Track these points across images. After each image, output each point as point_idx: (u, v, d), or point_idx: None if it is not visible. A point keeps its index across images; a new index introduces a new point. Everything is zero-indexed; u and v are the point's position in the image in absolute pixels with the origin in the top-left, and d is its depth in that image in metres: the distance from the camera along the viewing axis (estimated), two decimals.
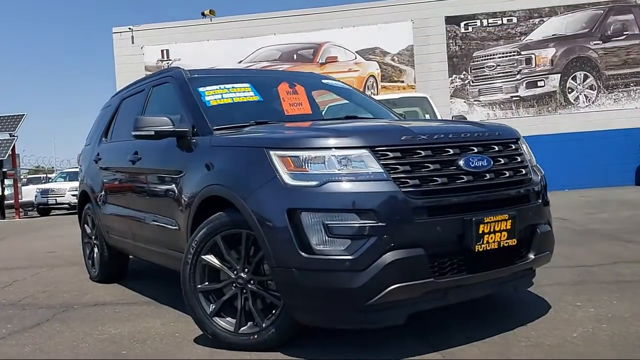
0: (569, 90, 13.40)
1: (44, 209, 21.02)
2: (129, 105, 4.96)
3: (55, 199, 20.63)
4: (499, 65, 13.67)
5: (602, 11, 13.31)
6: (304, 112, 4.12)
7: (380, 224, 2.59)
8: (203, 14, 14.90)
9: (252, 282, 3.01)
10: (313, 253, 2.65)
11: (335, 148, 2.75)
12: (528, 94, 13.46)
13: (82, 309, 4.34)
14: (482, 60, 13.71)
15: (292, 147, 2.83)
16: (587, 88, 13.37)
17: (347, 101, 4.70)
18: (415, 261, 2.63)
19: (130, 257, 5.32)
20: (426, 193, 2.70)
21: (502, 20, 13.67)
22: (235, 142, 3.20)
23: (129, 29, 14.69)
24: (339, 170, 2.70)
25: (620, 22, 13.26)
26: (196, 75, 4.12)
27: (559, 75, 13.37)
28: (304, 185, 2.71)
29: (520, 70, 13.55)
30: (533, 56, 13.46)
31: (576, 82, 13.39)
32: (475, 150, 2.92)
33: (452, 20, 13.80)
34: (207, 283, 3.17)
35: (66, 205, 20.62)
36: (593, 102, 13.16)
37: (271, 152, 2.84)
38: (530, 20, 13.56)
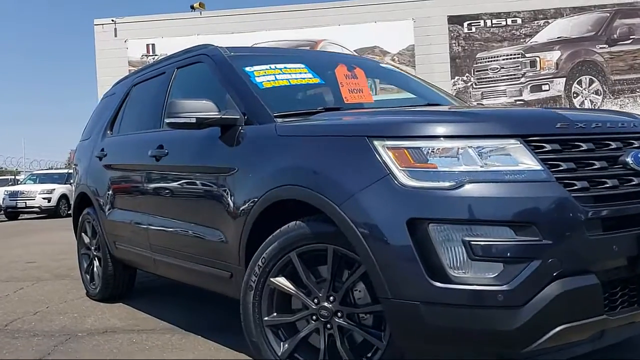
0: (574, 95, 12.97)
1: (13, 213, 19.89)
2: (144, 92, 4.17)
3: (25, 202, 19.55)
4: (502, 68, 13.16)
5: (609, 14, 12.93)
6: (365, 101, 3.42)
7: (545, 241, 1.89)
8: (192, 7, 14.06)
9: (339, 314, 2.28)
10: (448, 281, 1.93)
11: (475, 137, 2.04)
12: (532, 98, 12.98)
13: (89, 337, 3.53)
14: (485, 62, 13.18)
15: (408, 135, 2.11)
16: (593, 93, 12.96)
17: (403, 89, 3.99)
18: (590, 293, 1.94)
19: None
20: (598, 199, 2.01)
21: (506, 21, 13.16)
22: (319, 131, 2.46)
23: (112, 20, 13.77)
24: (481, 167, 1.99)
25: (626, 25, 12.89)
26: (238, 53, 3.38)
27: (564, 79, 12.92)
28: (430, 187, 1.99)
29: (525, 73, 13.06)
30: (538, 59, 12.99)
31: (581, 87, 12.97)
32: (636, 144, 2.24)
33: (455, 20, 13.24)
34: (275, 314, 2.44)
35: (37, 209, 19.59)
36: (598, 108, 12.75)
37: (376, 142, 2.12)
38: (535, 22, 13.10)
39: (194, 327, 3.60)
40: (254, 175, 2.63)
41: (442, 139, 2.05)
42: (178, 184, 3.29)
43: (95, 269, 4.58)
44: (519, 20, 13.21)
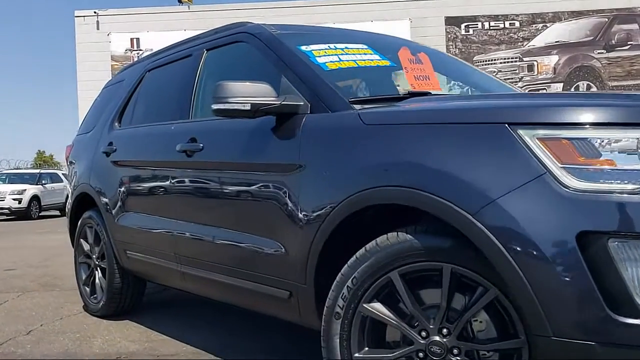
0: None
1: None
2: (163, 78, 3.63)
3: None
4: (500, 71, 12.87)
5: (607, 19, 12.78)
6: (433, 89, 2.93)
7: None
8: (180, 1, 13.45)
9: (456, 351, 1.79)
10: (637, 315, 1.46)
11: None
12: None
13: None
14: (483, 65, 12.87)
15: (569, 122, 1.64)
16: None
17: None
18: None
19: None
20: None
21: (504, 23, 12.90)
22: (435, 117, 1.95)
23: (94, 12, 13.05)
24: None
25: (624, 31, 12.76)
26: (288, 32, 2.87)
27: (562, 84, 12.70)
28: (608, 190, 1.52)
29: (522, 77, 12.82)
30: (535, 63, 12.76)
31: None
32: None
33: (452, 21, 12.93)
34: (367, 349, 1.94)
35: (6, 211, 18.64)
36: None
37: (522, 132, 1.65)
38: (533, 25, 12.87)
39: (226, 351, 3.07)
40: (331, 173, 2.13)
41: (618, 127, 1.58)
42: (217, 184, 2.76)
43: (97, 280, 3.99)
44: (517, 24, 12.96)
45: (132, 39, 13.05)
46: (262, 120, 2.45)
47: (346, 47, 2.76)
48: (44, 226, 14.99)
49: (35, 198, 19.35)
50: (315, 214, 2.14)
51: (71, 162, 4.55)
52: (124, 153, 3.64)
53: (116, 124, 3.90)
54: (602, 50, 12.77)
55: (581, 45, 12.81)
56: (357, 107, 2.23)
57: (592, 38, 12.87)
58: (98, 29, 12.94)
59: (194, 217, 2.91)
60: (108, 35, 13.01)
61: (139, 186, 3.46)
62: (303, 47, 2.65)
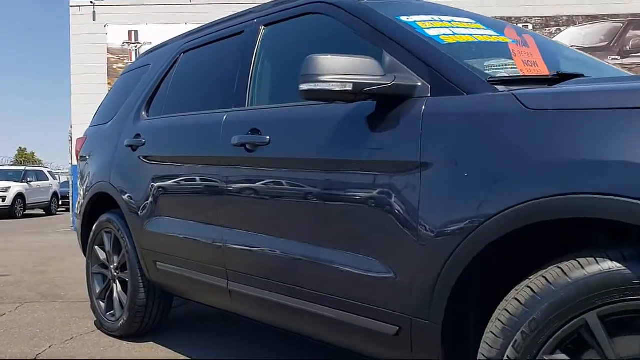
0: None
1: None
2: (204, 60, 3.10)
3: None
4: None
5: (622, 24, 12.44)
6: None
7: None
8: None
9: None
10: None
11: None
12: None
13: None
14: None
15: None
16: None
17: None
18: None
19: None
20: None
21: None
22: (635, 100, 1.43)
23: (91, 2, 12.39)
24: None
25: (639, 37, 12.43)
26: (378, 1, 2.35)
27: None
28: None
29: None
30: None
31: None
32: None
33: None
34: None
35: None
36: None
37: None
38: (547, 29, 12.47)
39: None
40: (478, 175, 1.61)
41: None
42: (291, 187, 2.22)
43: (116, 294, 3.43)
44: (530, 27, 12.54)
45: (130, 32, 12.41)
46: (358, 105, 1.94)
47: (453, 20, 2.25)
48: (32, 226, 14.28)
49: (20, 196, 18.61)
50: (450, 229, 1.63)
51: (83, 158, 3.97)
52: (155, 147, 3.09)
53: (143, 113, 3.34)
54: (617, 57, 12.41)
55: (596, 50, 12.42)
56: (501, 88, 1.72)
57: (606, 43, 12.51)
58: (94, 20, 12.29)
59: (254, 226, 2.38)
60: (105, 27, 12.36)
61: (176, 186, 2.91)
62: (403, 18, 2.14)
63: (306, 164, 2.14)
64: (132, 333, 3.33)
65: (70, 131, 12.53)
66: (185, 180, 2.83)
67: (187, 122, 2.90)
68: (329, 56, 1.84)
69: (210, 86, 2.95)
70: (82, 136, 4.14)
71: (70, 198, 12.90)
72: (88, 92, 12.09)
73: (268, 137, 2.28)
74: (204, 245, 2.64)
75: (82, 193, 3.89)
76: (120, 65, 12.36)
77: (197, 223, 2.71)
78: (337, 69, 1.82)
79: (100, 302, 3.59)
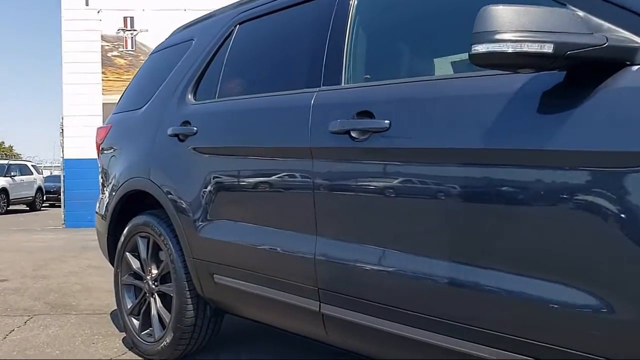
0: None
1: None
2: (273, 32, 2.58)
3: None
4: None
5: None
6: None
7: None
8: None
9: None
10: None
11: None
12: None
13: None
14: None
15: None
16: None
17: None
18: None
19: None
20: None
21: None
22: None
23: None
24: None
25: None
26: None
27: None
28: None
29: None
30: None
31: None
32: None
33: None
34: None
35: None
36: None
37: None
38: None
39: None
40: None
41: None
42: (431, 186, 1.72)
43: (154, 311, 2.91)
44: None
45: (125, 18, 11.75)
46: (531, 78, 1.47)
47: None
48: (17, 223, 13.58)
49: (3, 191, 17.87)
50: None
51: (107, 150, 3.43)
52: (213, 137, 2.56)
53: (190, 96, 2.81)
54: None
55: None
56: None
57: None
58: (87, 4, 11.60)
59: (365, 236, 1.88)
60: (98, 12, 11.69)
61: (244, 184, 2.39)
62: None
63: (457, 156, 1.64)
64: (177, 357, 2.82)
65: (62, 123, 11.87)
66: (258, 177, 2.31)
67: (256, 106, 2.38)
68: (515, 7, 1.36)
69: (282, 62, 2.44)
70: (103, 125, 3.59)
71: (62, 194, 12.24)
72: (80, 82, 11.47)
73: (387, 122, 1.78)
74: (287, 257, 2.13)
75: (106, 190, 3.35)
76: (115, 53, 11.74)
77: (276, 230, 2.20)
78: (527, 25, 1.34)
79: (133, 319, 3.06)
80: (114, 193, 3.18)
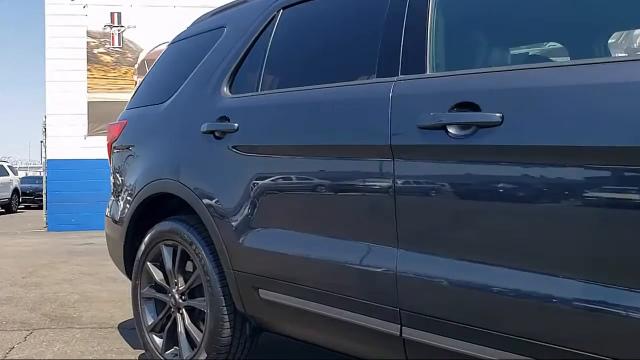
0: None
1: None
2: (324, 16, 2.30)
3: None
4: None
5: None
6: None
7: None
8: None
9: None
10: None
11: None
12: None
13: None
14: None
15: None
16: None
17: None
18: None
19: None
20: None
21: None
22: None
23: None
24: None
25: None
26: None
27: None
28: None
29: None
30: None
31: None
32: None
33: None
34: None
35: None
36: None
37: None
38: None
39: None
40: None
41: None
42: (562, 192, 1.45)
43: (181, 328, 2.60)
44: None
45: (112, 14, 11.32)
46: None
47: None
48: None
49: None
50: None
51: (121, 149, 3.11)
52: (259, 134, 2.27)
53: (225, 89, 2.52)
54: None
55: None
56: None
57: None
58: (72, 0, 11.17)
59: (468, 250, 1.61)
60: (84, 7, 11.24)
61: (300, 187, 2.11)
62: None
63: (597, 155, 1.38)
64: None
65: (44, 122, 11.39)
66: (318, 180, 2.03)
67: (313, 100, 2.09)
68: None
69: (339, 49, 2.17)
70: (115, 121, 3.27)
71: (44, 195, 11.75)
72: (65, 79, 11.03)
73: (499, 115, 1.52)
74: (359, 273, 1.86)
75: (121, 193, 3.03)
76: (102, 50, 11.31)
77: (343, 241, 1.92)
78: None
79: (155, 337, 2.75)
80: (132, 196, 2.86)
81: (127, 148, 3.04)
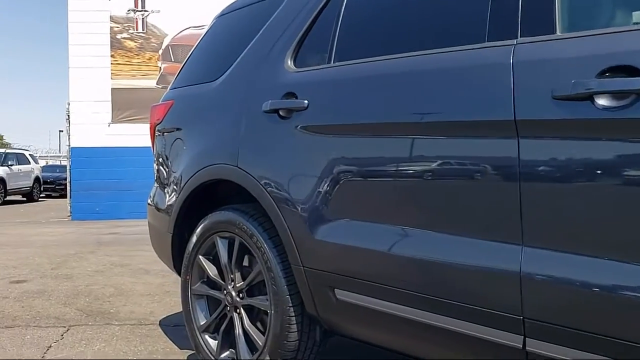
0: None
1: None
2: None
3: None
4: None
5: None
6: None
7: None
8: None
9: None
10: None
11: None
12: None
13: None
14: None
15: None
16: None
17: None
18: None
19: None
20: None
21: None
22: None
23: None
24: None
25: None
26: None
27: None
28: None
29: None
30: None
31: None
32: None
33: None
34: None
35: None
36: None
37: None
38: None
39: None
40: None
41: None
42: None
43: (239, 329, 2.34)
44: None
45: None
46: None
47: None
48: (18, 214, 12.96)
49: (0, 181, 17.16)
50: None
51: (165, 131, 2.85)
52: (334, 112, 1.99)
53: (289, 63, 2.23)
54: None
55: None
56: None
57: None
58: None
59: (623, 249, 1.31)
60: None
61: (390, 172, 1.81)
62: None
63: None
64: None
65: (68, 109, 11.22)
66: (413, 163, 1.73)
67: (404, 70, 1.80)
68: None
69: (438, 9, 1.85)
70: (160, 102, 3.00)
71: (68, 184, 11.60)
72: (88, 66, 10.83)
73: None
74: (471, 273, 1.57)
75: (168, 180, 2.77)
76: (125, 35, 11.08)
77: (447, 235, 1.63)
78: None
79: (208, 338, 2.50)
80: (181, 183, 2.60)
81: (174, 131, 2.77)
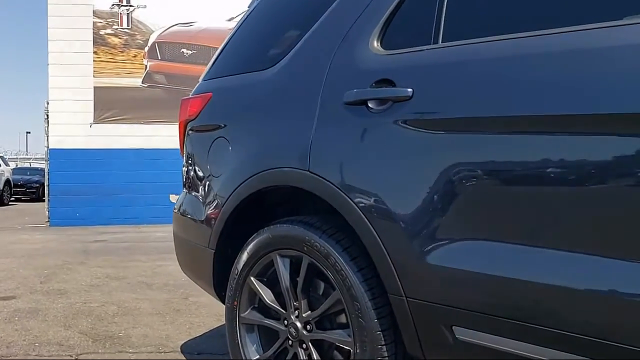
0: None
1: None
2: None
3: None
4: None
5: None
6: None
7: None
8: None
9: None
10: None
11: None
12: None
13: None
14: None
15: None
16: None
17: None
18: None
19: None
20: None
21: None
22: None
23: None
24: None
25: None
26: None
27: None
28: None
29: None
30: None
31: None
32: None
33: None
34: None
35: None
36: None
37: None
38: None
39: None
40: None
41: None
42: None
43: None
44: None
45: None
46: None
47: None
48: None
49: None
50: None
51: (201, 129, 2.42)
52: (453, 102, 1.58)
53: (376, 44, 1.82)
54: None
55: None
56: None
57: None
58: None
59: None
60: None
61: (534, 178, 1.42)
62: None
63: None
64: None
65: (46, 108, 10.59)
66: (570, 169, 1.34)
67: (554, 49, 1.41)
68: None
69: None
70: (193, 95, 2.55)
71: (47, 188, 10.96)
72: (69, 62, 10.26)
73: None
74: None
75: (209, 186, 2.34)
76: (109, 31, 10.53)
77: (628, 262, 1.24)
78: None
79: None
80: (227, 190, 2.17)
81: (216, 129, 2.33)
